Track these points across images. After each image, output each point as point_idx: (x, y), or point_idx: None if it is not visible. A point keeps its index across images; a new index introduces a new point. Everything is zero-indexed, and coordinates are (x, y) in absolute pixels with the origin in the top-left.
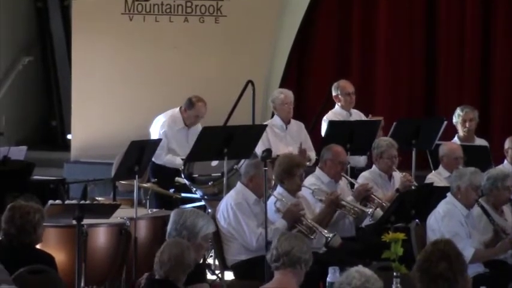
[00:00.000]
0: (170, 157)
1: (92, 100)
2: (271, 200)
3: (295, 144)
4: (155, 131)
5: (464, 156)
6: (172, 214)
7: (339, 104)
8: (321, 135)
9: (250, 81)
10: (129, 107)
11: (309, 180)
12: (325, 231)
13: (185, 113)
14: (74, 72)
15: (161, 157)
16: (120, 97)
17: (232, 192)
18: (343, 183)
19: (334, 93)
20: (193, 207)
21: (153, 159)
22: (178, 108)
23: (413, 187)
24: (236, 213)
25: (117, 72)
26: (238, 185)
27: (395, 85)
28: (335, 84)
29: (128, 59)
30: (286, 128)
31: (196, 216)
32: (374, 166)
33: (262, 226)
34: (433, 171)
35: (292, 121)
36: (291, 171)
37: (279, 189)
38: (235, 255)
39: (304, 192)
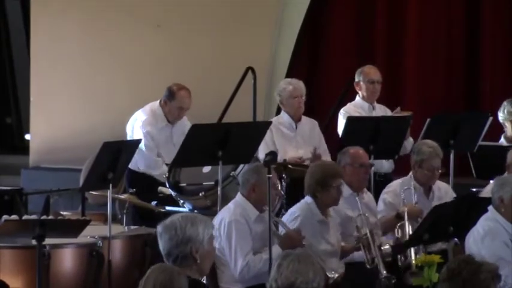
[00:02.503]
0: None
1: (55, 92)
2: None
3: (307, 146)
4: (136, 132)
5: None
6: (163, 231)
7: (360, 93)
8: (337, 134)
9: (250, 68)
10: (101, 101)
11: None
12: (330, 271)
13: (166, 107)
14: (32, 59)
15: (158, 165)
16: (89, 89)
17: (230, 205)
18: (367, 197)
19: (356, 79)
20: None
21: (146, 170)
22: (158, 102)
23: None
24: (230, 231)
25: (86, 58)
26: (238, 197)
27: (429, 74)
28: (359, 69)
29: (99, 41)
30: (296, 126)
31: (192, 222)
32: (411, 173)
33: (264, 249)
34: None
35: (304, 118)
36: (326, 183)
37: (308, 198)
38: (230, 283)
39: (339, 209)
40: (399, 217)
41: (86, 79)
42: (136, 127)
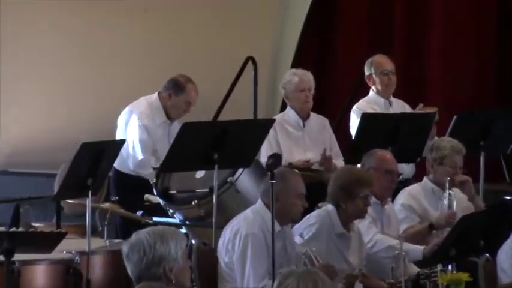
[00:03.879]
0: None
1: (27, 87)
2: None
3: (316, 148)
4: (131, 127)
5: None
6: (130, 251)
7: (374, 88)
8: (349, 134)
9: (250, 58)
10: (79, 96)
11: None
12: None
13: (170, 100)
14: (1, 48)
15: (149, 165)
16: (66, 82)
17: (249, 214)
18: (389, 207)
19: (366, 73)
20: None
21: (137, 169)
22: (156, 94)
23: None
24: (246, 246)
25: (62, 47)
26: (259, 204)
27: (455, 65)
28: (368, 60)
29: (77, 28)
30: (304, 125)
31: (162, 238)
32: (425, 178)
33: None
34: None
35: (312, 115)
36: (351, 191)
37: (329, 206)
38: None
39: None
40: (432, 227)
41: (62, 71)
42: (132, 120)
